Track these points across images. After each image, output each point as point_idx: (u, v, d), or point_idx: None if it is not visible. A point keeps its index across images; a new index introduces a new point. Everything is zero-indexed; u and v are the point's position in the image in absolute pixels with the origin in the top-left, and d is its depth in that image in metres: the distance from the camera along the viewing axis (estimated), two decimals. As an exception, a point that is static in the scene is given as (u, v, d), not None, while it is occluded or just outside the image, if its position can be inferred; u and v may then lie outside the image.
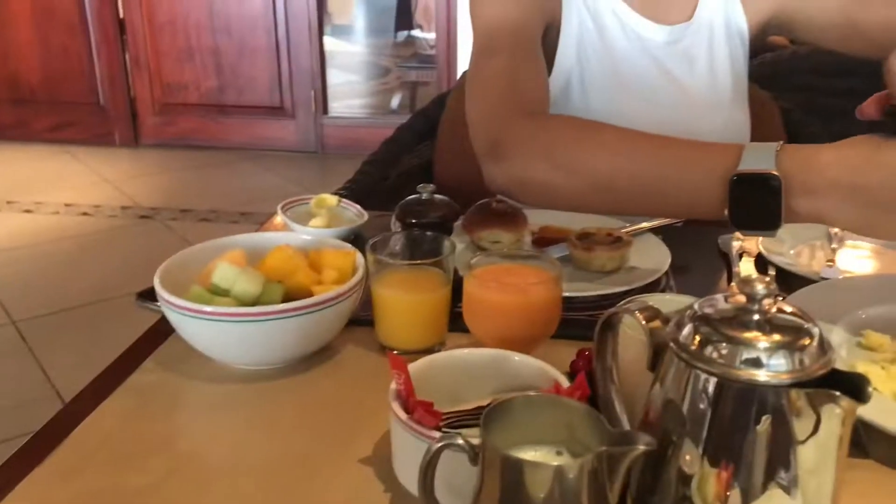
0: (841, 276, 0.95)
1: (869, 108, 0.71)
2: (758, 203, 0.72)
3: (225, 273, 0.79)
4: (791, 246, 1.04)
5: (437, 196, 1.03)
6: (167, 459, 0.68)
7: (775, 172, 0.70)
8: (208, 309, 0.75)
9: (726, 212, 0.74)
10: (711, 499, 0.50)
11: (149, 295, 0.86)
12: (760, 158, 0.72)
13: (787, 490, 0.48)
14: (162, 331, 0.86)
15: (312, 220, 1.10)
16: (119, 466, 0.68)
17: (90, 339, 2.53)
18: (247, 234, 0.91)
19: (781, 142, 0.73)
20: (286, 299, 0.78)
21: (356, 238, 1.08)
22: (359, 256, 0.86)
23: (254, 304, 0.79)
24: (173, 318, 0.78)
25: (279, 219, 1.13)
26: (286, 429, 0.73)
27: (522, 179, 0.89)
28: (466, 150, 1.56)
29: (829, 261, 0.99)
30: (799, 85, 1.79)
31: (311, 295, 0.78)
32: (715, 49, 1.18)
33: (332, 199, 1.15)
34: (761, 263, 1.02)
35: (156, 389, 0.78)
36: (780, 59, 1.88)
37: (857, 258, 1.03)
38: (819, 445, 0.47)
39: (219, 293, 0.79)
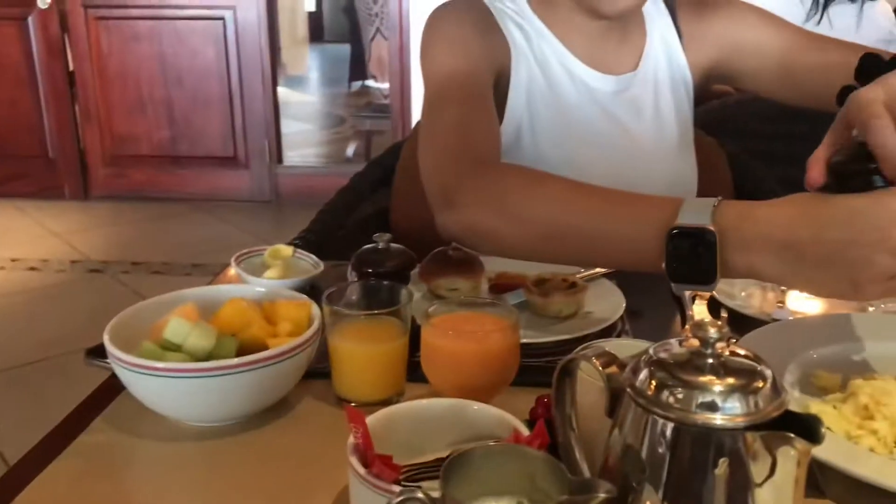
0: (791, 317, 0.97)
1: (813, 175, 0.71)
2: (694, 257, 0.72)
3: (177, 328, 0.78)
4: (742, 288, 1.06)
5: (394, 245, 1.03)
6: (118, 524, 0.66)
7: (711, 227, 0.71)
8: (160, 365, 0.74)
9: (663, 265, 0.75)
10: (673, 545, 0.50)
11: (98, 352, 0.84)
12: (698, 213, 0.73)
13: (747, 533, 0.48)
14: (112, 388, 0.84)
15: (267, 271, 1.09)
16: (66, 532, 0.65)
17: (37, 399, 2.45)
18: (199, 288, 0.90)
19: (720, 197, 0.75)
20: (240, 353, 0.77)
21: (312, 289, 1.07)
22: (314, 308, 0.85)
23: (207, 359, 0.77)
24: (124, 375, 0.77)
25: (233, 271, 1.11)
26: (242, 487, 0.71)
27: (473, 227, 0.90)
28: (422, 198, 1.57)
29: (779, 302, 1.01)
30: (744, 130, 1.84)
31: (266, 348, 0.77)
32: (660, 97, 1.22)
33: (286, 250, 1.14)
34: (714, 306, 1.03)
35: (106, 450, 0.76)
36: (726, 106, 1.94)
37: (806, 298, 1.05)
38: (776, 487, 0.47)
39: (171, 349, 0.78)
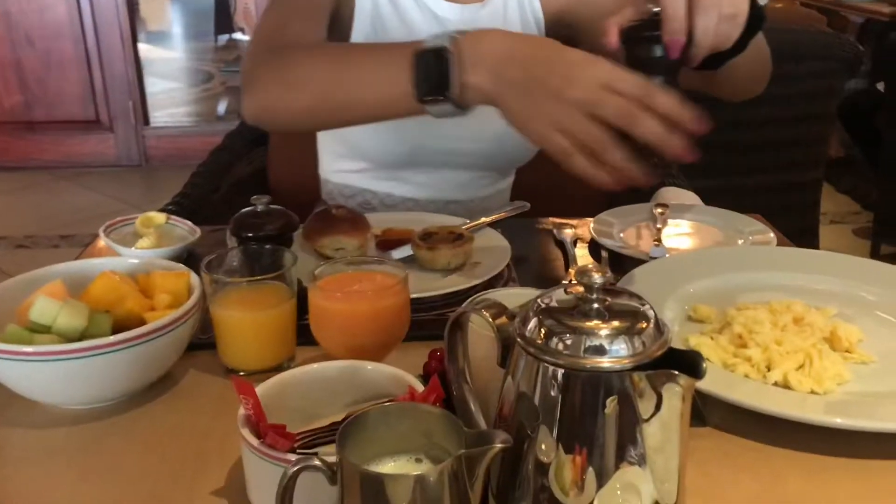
0: (667, 255, 1.01)
1: (609, 39, 0.76)
2: (436, 75, 0.80)
3: (44, 308, 0.73)
4: (620, 229, 1.09)
5: (273, 206, 1.00)
6: (-7, 521, 0.62)
7: (448, 46, 0.80)
8: (28, 349, 0.69)
9: (413, 87, 0.82)
10: (568, 485, 0.51)
11: (-43, 340, 0.78)
12: (440, 38, 0.81)
13: (637, 468, 0.50)
14: (-24, 378, 0.78)
15: (139, 241, 1.03)
16: (-65, 536, 0.61)
17: None
18: (66, 263, 0.84)
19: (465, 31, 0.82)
20: (116, 331, 0.73)
21: (190, 256, 1.02)
22: (193, 277, 0.81)
23: (80, 339, 0.73)
24: (-12, 363, 0.71)
25: (102, 242, 1.05)
26: (128, 470, 0.68)
27: (263, 104, 0.96)
28: (301, 156, 1.53)
29: (655, 240, 1.05)
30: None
31: (143, 323, 0.73)
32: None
33: (159, 217, 1.09)
34: (594, 248, 1.06)
35: (-27, 443, 0.71)
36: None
37: (679, 236, 1.10)
38: (663, 423, 0.49)
39: (39, 330, 0.72)
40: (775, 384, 0.73)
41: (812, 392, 0.72)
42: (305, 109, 0.93)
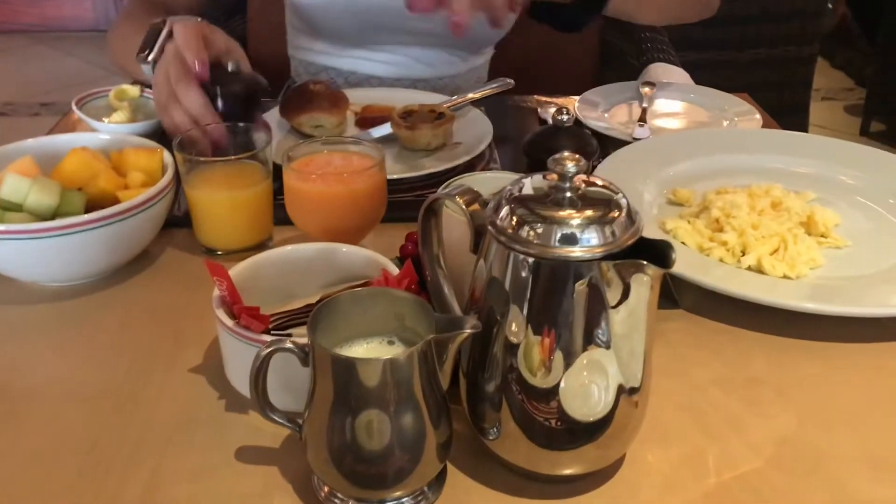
0: (650, 136, 0.99)
1: None
2: None
3: (14, 185, 0.72)
4: (605, 108, 1.07)
5: (246, 71, 0.94)
6: (-25, 394, 0.63)
7: None
8: (0, 227, 0.68)
9: None
10: (536, 365, 0.52)
11: (-72, 217, 0.77)
12: None
13: (604, 351, 0.51)
14: (-50, 255, 0.78)
15: (113, 115, 1.01)
16: (-82, 408, 0.62)
17: None
18: (35, 139, 0.82)
19: None
20: (89, 209, 0.72)
21: (164, 133, 1.00)
22: (167, 155, 0.80)
23: (52, 217, 0.72)
24: (-40, 241, 0.71)
25: (76, 115, 1.03)
26: (106, 348, 0.69)
27: None
28: (282, 24, 1.48)
29: (639, 121, 1.03)
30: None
31: (117, 202, 0.73)
32: None
33: (133, 90, 1.06)
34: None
35: (-48, 320, 0.71)
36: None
37: (665, 116, 1.08)
38: (630, 311, 0.50)
39: (10, 209, 0.72)
40: (749, 268, 0.74)
41: (784, 276, 0.73)
42: None
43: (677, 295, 0.73)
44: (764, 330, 0.70)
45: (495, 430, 0.55)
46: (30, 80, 3.50)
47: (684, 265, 0.71)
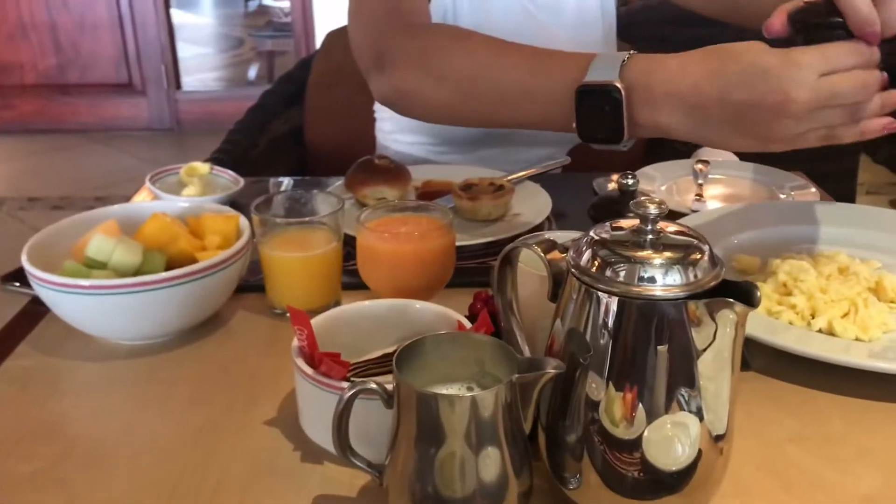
0: (708, 209, 1.01)
1: (774, 22, 0.70)
2: (602, 114, 0.72)
3: (100, 244, 0.75)
4: (661, 183, 1.09)
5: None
6: (56, 444, 0.64)
7: (617, 84, 0.70)
8: (86, 283, 0.71)
9: (574, 124, 0.74)
10: (618, 418, 0.52)
11: (15, 276, 0.80)
12: (606, 69, 0.72)
13: (689, 395, 0.50)
14: (34, 313, 0.80)
15: (184, 189, 1.05)
16: (3, 455, 0.63)
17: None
18: (119, 206, 0.86)
19: (632, 52, 0.74)
20: (169, 269, 0.75)
21: (233, 206, 1.04)
22: (242, 219, 0.83)
23: (135, 275, 0.75)
24: (48, 296, 0.73)
25: (147, 192, 1.07)
26: (181, 402, 0.70)
27: (399, 88, 0.89)
28: (337, 115, 1.54)
29: (697, 195, 1.05)
30: (651, 35, 1.86)
31: (195, 262, 0.75)
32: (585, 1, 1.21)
33: (203, 167, 1.11)
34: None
35: (34, 373, 0.73)
36: (632, 11, 1.95)
37: (721, 192, 1.09)
38: (716, 353, 0.50)
39: (95, 266, 0.75)
40: (819, 331, 0.74)
41: (857, 339, 0.72)
42: (445, 104, 0.87)
43: (748, 356, 0.73)
44: (838, 391, 0.69)
45: (576, 479, 0.54)
46: (85, 177, 3.64)
47: (754, 327, 0.71)
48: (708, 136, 0.71)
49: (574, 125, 0.74)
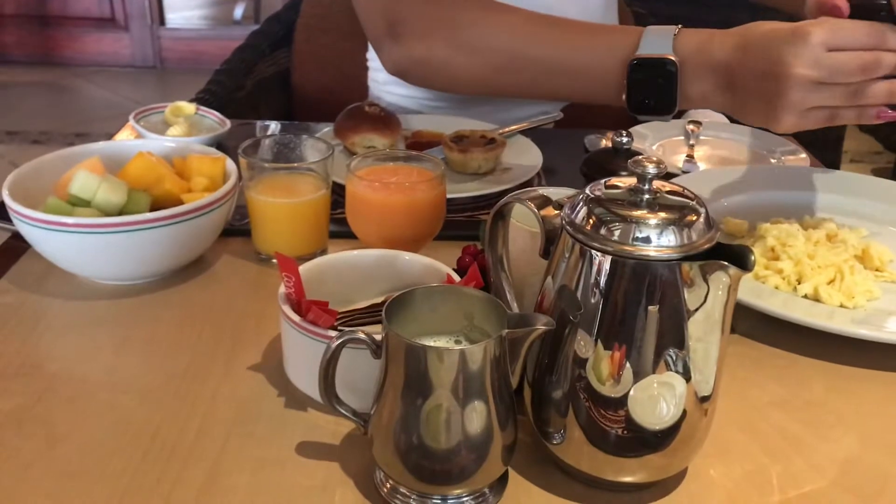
0: (699, 170, 1.00)
1: (842, 8, 0.69)
2: (655, 87, 0.73)
3: (85, 182, 0.73)
4: (653, 142, 1.08)
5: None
6: (37, 380, 0.64)
7: (672, 57, 0.72)
8: (70, 220, 0.70)
9: (624, 96, 0.75)
10: (605, 376, 0.52)
11: (-6, 211, 0.79)
12: (659, 43, 0.73)
13: (677, 355, 0.51)
14: (14, 249, 0.79)
15: (169, 129, 1.03)
16: (-18, 392, 0.62)
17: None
18: (103, 143, 0.84)
19: (679, 26, 0.75)
20: (154, 209, 0.74)
21: (219, 147, 1.02)
22: (229, 162, 0.81)
23: (118, 214, 0.73)
24: (30, 233, 0.72)
25: (131, 130, 1.05)
26: (164, 345, 0.69)
27: (423, 59, 0.87)
28: (325, 59, 1.51)
29: (688, 156, 1.04)
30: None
31: (181, 204, 0.74)
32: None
33: (189, 107, 1.09)
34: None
35: (14, 310, 0.72)
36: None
37: (712, 153, 1.09)
38: (707, 315, 0.50)
39: (79, 204, 0.73)
40: (805, 297, 0.74)
41: (841, 306, 0.73)
42: (476, 77, 0.85)
43: (734, 320, 0.73)
44: (821, 357, 0.70)
45: (560, 434, 0.54)
46: (65, 112, 3.57)
47: (740, 291, 0.70)
48: (736, 106, 0.72)
49: (624, 97, 0.75)
